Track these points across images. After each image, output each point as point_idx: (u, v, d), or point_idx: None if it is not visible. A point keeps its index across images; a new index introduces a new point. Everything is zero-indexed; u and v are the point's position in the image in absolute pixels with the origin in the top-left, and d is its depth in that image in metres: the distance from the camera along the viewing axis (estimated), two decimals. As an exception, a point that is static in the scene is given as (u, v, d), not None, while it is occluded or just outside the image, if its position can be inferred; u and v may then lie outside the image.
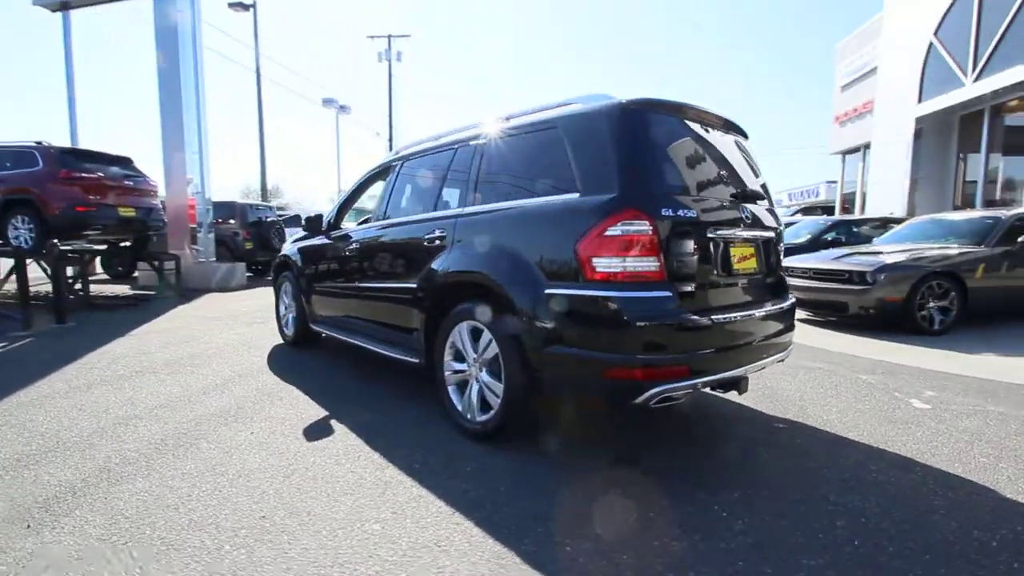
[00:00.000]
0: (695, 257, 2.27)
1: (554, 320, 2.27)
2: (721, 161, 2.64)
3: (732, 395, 3.25)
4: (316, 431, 2.85)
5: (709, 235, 2.34)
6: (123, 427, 2.88)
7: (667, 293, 2.15)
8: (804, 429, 2.95)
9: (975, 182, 11.87)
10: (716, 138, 2.68)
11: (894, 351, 4.82)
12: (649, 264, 2.12)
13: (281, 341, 5.15)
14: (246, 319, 6.48)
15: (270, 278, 5.60)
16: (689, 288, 2.25)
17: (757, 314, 2.54)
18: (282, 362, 4.35)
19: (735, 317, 2.39)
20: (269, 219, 12.64)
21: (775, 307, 2.68)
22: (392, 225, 3.52)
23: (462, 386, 2.84)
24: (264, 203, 15.19)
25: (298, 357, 4.56)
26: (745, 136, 2.98)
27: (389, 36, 30.67)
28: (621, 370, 2.12)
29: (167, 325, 6.13)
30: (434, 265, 2.95)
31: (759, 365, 2.54)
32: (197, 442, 2.69)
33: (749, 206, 2.66)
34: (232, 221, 11.68)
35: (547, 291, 2.30)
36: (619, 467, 2.44)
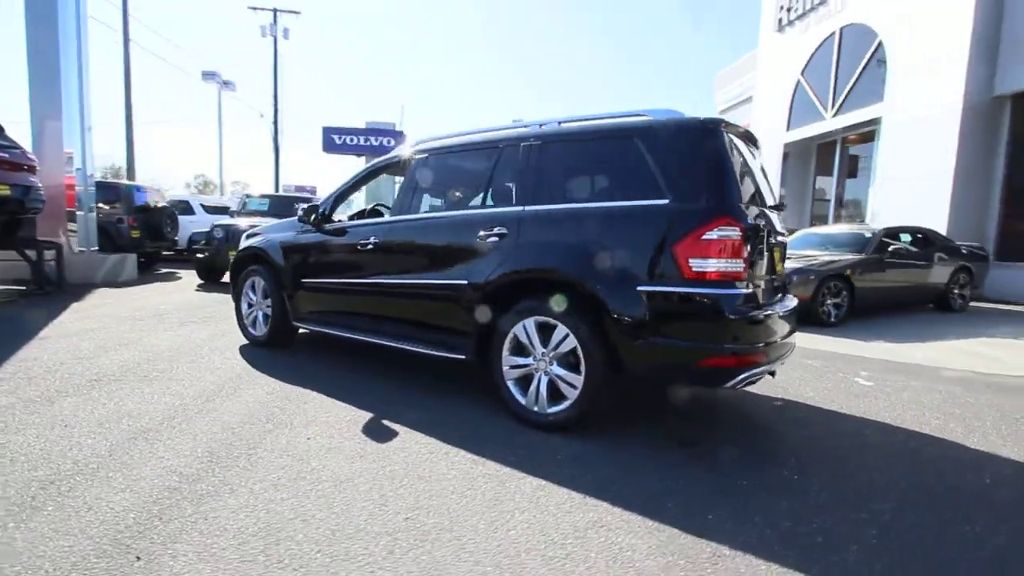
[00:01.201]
0: (759, 260, 2.62)
1: (650, 314, 2.47)
2: (757, 173, 3.04)
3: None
4: (377, 432, 2.74)
5: (768, 240, 2.71)
6: (145, 442, 2.51)
7: (749, 290, 2.47)
8: (797, 406, 3.48)
9: (828, 200, 14.29)
10: (751, 152, 3.07)
11: (814, 340, 5.75)
12: (736, 265, 2.42)
13: (245, 341, 4.68)
14: (175, 318, 5.74)
15: (164, 271, 5.03)
16: (754, 287, 2.59)
17: (781, 311, 2.98)
18: (269, 364, 3.99)
19: (778, 313, 2.79)
20: (160, 205, 11.10)
21: (791, 305, 3.14)
22: (426, 220, 3.44)
23: (522, 380, 2.92)
24: (154, 187, 13.27)
25: (283, 358, 4.20)
26: (759, 149, 3.42)
27: (275, 10, 28.52)
28: (719, 358, 2.39)
29: (79, 326, 5.21)
30: (494, 261, 2.98)
31: (785, 356, 2.97)
32: (253, 451, 2.45)
33: (772, 214, 3.10)
34: (116, 206, 10.07)
35: (641, 288, 2.50)
36: (686, 446, 2.72)
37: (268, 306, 4.45)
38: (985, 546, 1.89)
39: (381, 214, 4.58)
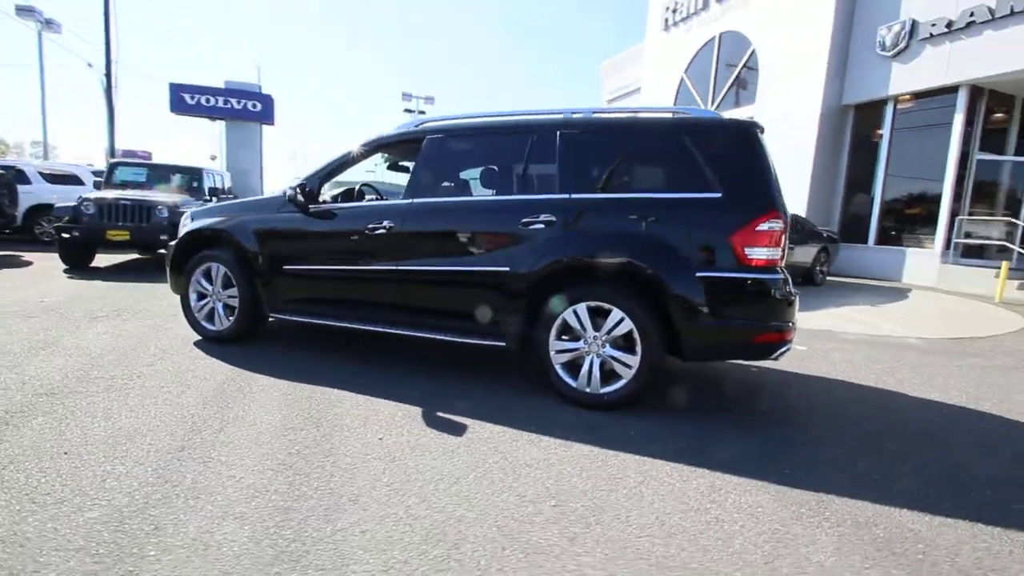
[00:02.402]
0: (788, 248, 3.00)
1: (710, 298, 2.72)
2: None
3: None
4: (444, 425, 2.66)
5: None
6: (195, 462, 2.16)
7: (785, 275, 2.83)
8: (766, 373, 4.06)
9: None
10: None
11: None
12: (777, 253, 2.76)
13: (196, 337, 4.09)
14: (78, 313, 4.77)
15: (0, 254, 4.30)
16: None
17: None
18: (251, 360, 3.55)
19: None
20: (-11, 171, 8.88)
21: None
22: (456, 204, 3.31)
23: (570, 363, 3.02)
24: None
25: (260, 353, 3.75)
26: None
27: (108, -60, 23.85)
28: (769, 335, 2.73)
29: (-54, 327, 4.10)
30: (541, 248, 3.00)
31: None
32: (334, 459, 2.24)
33: None
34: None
35: (701, 274, 2.74)
36: (731, 414, 3.06)
37: (232, 296, 3.93)
38: (948, 456, 2.48)
39: (363, 196, 4.27)
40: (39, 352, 3.53)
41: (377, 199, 4.23)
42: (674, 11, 15.98)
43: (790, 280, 2.89)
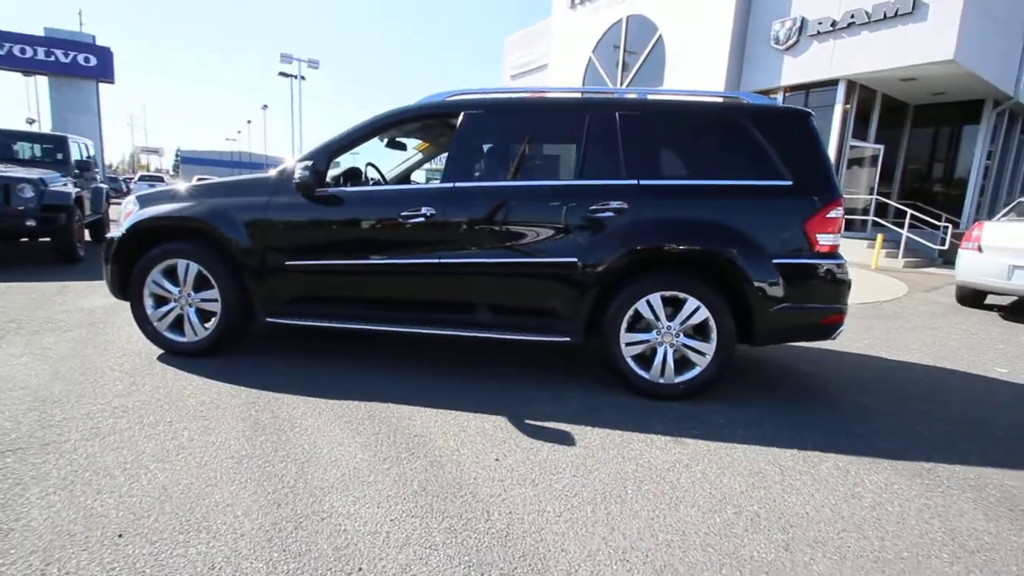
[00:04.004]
0: None
1: (786, 284, 2.79)
2: None
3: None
4: (547, 435, 2.43)
5: None
6: (307, 529, 1.73)
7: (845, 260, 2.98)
8: (758, 350, 4.35)
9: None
10: None
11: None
12: (838, 239, 2.90)
13: (148, 351, 3.31)
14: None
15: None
16: None
17: None
18: (253, 376, 2.94)
19: None
20: None
21: None
22: (510, 189, 2.98)
23: (640, 354, 2.95)
24: None
25: (251, 366, 3.13)
26: None
27: None
28: (834, 316, 2.88)
29: None
30: (613, 237, 2.84)
31: None
32: (465, 494, 1.93)
33: None
34: None
35: (777, 261, 2.78)
36: (770, 391, 3.20)
37: (209, 299, 3.22)
38: (970, 410, 2.88)
39: (367, 177, 3.71)
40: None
41: (380, 182, 3.71)
42: (580, -10, 16.14)
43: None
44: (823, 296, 2.89)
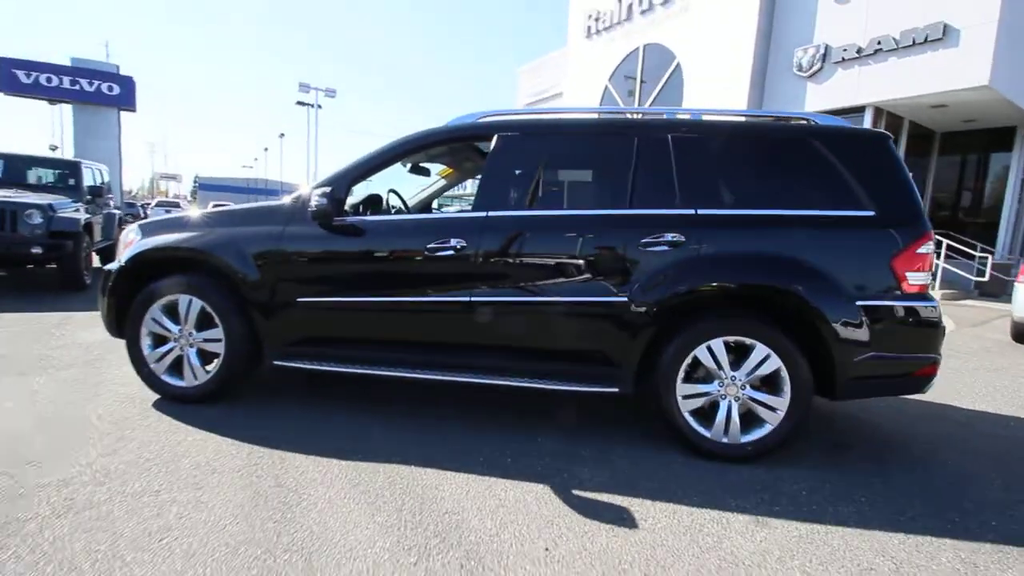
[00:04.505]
0: None
1: (873, 329, 2.40)
2: None
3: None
4: (599, 512, 2.04)
5: None
6: None
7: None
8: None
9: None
10: None
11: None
12: (928, 277, 2.53)
13: (143, 396, 2.98)
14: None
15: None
16: None
17: None
18: (255, 427, 2.59)
19: None
20: None
21: None
22: (551, 218, 2.67)
23: (699, 409, 2.56)
24: None
25: (252, 414, 2.78)
26: None
27: None
28: (929, 367, 2.48)
29: None
30: (668, 273, 2.49)
31: None
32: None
33: None
34: None
35: (862, 303, 2.40)
36: (845, 451, 2.78)
37: (212, 339, 2.90)
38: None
39: (389, 206, 3.42)
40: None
41: (402, 210, 3.42)
42: (596, 19, 16.22)
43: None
44: (915, 343, 2.49)
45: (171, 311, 2.94)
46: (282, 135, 59.15)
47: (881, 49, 10.06)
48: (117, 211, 9.17)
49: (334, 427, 2.72)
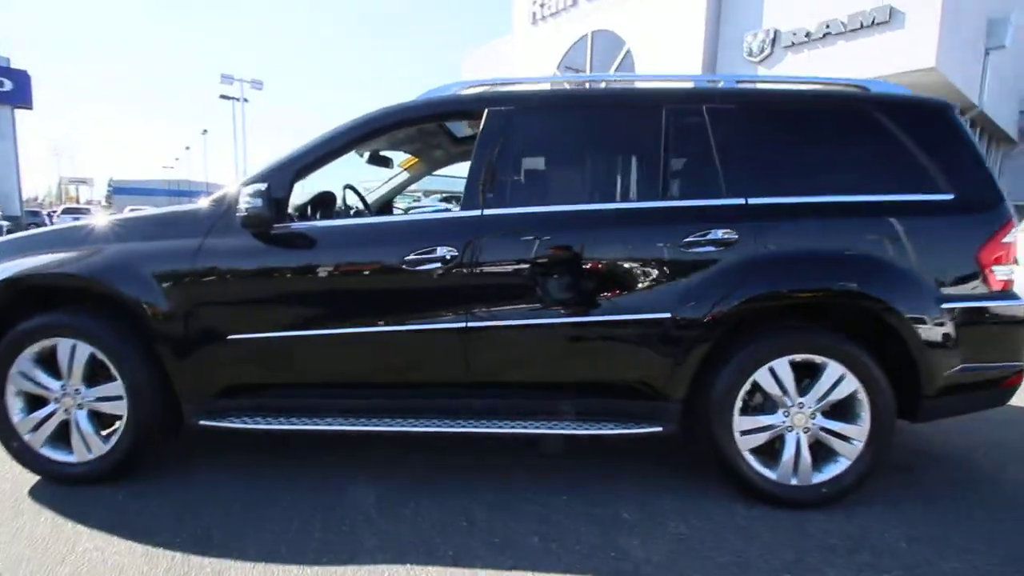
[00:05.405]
0: None
1: (963, 335, 1.98)
2: None
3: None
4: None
5: None
6: None
7: None
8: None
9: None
10: None
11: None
12: (1013, 271, 2.13)
13: (31, 478, 2.18)
14: None
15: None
16: None
17: None
18: (186, 521, 1.88)
19: None
20: None
21: None
22: (565, 214, 2.07)
23: (760, 446, 2.07)
24: None
25: (198, 496, 2.05)
26: None
27: None
28: (1016, 377, 2.09)
29: None
30: (719, 280, 1.97)
31: None
32: None
33: None
34: None
35: (948, 305, 1.98)
36: (922, 484, 2.37)
37: (107, 397, 2.12)
38: None
39: (344, 205, 2.71)
40: None
41: (363, 210, 2.72)
42: (542, 5, 15.71)
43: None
44: (1004, 349, 2.09)
45: (48, 361, 2.14)
46: (205, 131, 54.95)
47: (830, 33, 10.12)
48: (3, 223, 7.78)
49: (285, 508, 2.02)
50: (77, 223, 2.35)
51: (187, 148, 64.40)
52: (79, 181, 67.03)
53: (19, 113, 26.44)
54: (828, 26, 10.09)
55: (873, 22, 9.55)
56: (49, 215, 28.72)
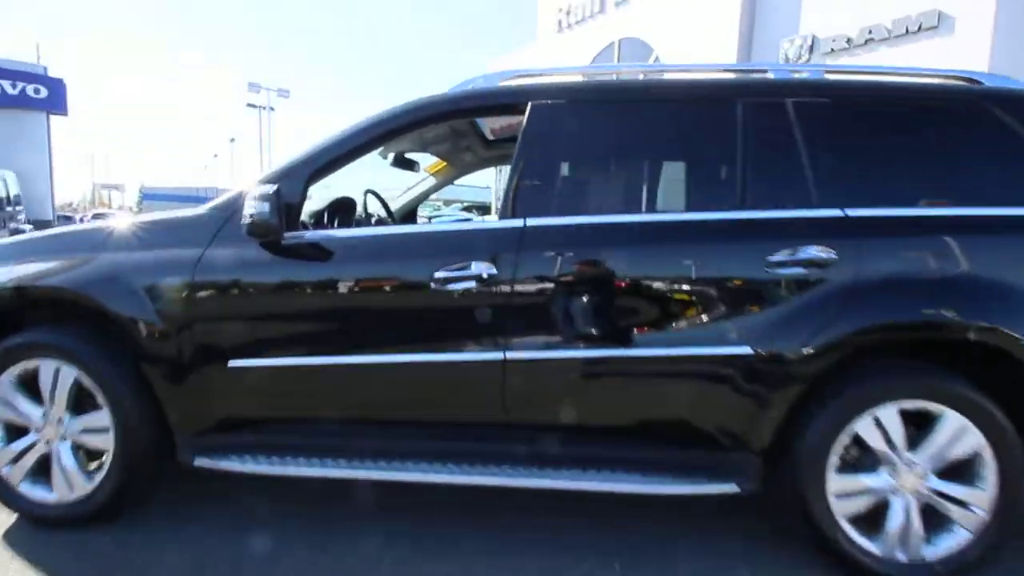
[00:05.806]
0: None
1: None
2: None
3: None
4: None
5: None
6: None
7: None
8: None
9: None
10: None
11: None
12: None
13: (5, 518, 1.92)
14: None
15: None
16: None
17: None
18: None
19: None
20: None
21: None
22: (622, 226, 1.75)
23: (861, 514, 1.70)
24: None
25: (193, 548, 1.77)
26: None
27: None
28: None
29: None
30: (813, 309, 1.63)
31: None
32: None
33: None
34: None
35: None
36: None
37: (93, 428, 1.86)
38: None
39: (364, 213, 2.43)
40: None
41: (385, 219, 2.44)
42: (568, 13, 15.50)
43: None
44: None
45: (29, 385, 1.89)
46: (232, 140, 56.18)
47: (872, 39, 9.63)
48: (27, 227, 7.78)
49: (302, 561, 1.72)
50: (72, 227, 2.12)
51: (215, 156, 66.11)
52: (112, 187, 68.94)
53: (54, 120, 27.18)
54: (871, 32, 9.60)
55: (920, 28, 9.04)
56: (81, 219, 29.48)
